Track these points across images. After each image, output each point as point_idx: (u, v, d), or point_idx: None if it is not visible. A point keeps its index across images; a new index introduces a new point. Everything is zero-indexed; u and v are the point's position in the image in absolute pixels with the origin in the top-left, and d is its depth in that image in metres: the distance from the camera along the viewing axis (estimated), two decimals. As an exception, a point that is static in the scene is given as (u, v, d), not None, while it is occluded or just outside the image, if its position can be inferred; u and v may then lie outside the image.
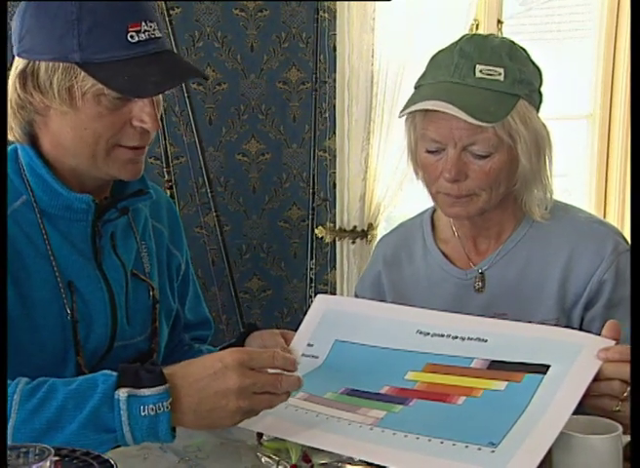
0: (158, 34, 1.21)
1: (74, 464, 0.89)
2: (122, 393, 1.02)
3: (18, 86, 1.20)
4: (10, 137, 1.25)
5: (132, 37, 1.17)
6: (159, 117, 1.23)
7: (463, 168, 1.34)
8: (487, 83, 1.31)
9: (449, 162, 1.34)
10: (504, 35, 3.10)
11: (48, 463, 0.79)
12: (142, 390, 1.02)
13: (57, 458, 0.85)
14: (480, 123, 1.28)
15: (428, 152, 1.37)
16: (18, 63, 1.20)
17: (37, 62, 1.18)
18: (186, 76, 1.28)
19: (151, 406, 1.01)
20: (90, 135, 1.20)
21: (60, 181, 1.23)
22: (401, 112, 1.35)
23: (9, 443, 0.99)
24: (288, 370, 1.08)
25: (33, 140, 1.25)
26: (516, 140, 1.33)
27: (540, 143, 1.37)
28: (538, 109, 1.38)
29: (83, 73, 1.16)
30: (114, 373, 1.05)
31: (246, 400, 1.03)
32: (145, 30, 1.18)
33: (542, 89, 1.40)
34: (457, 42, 1.36)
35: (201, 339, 1.52)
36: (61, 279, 1.23)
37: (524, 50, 1.39)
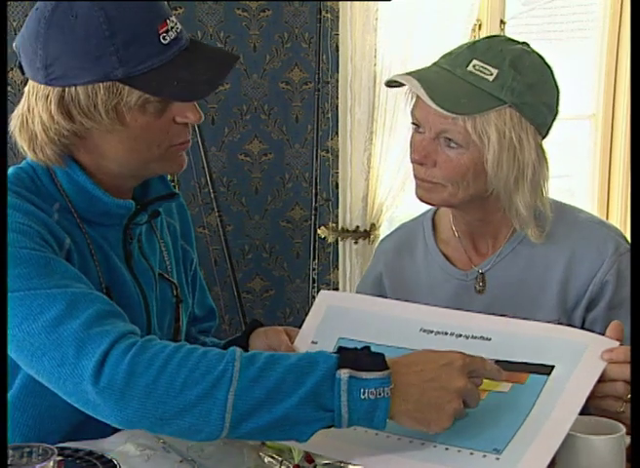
0: (180, 27, 1.19)
1: (77, 464, 0.89)
2: (343, 373, 0.98)
3: (57, 114, 1.15)
4: (37, 159, 1.21)
5: (164, 38, 1.15)
6: (198, 108, 1.22)
7: (433, 154, 1.33)
8: (474, 78, 1.30)
9: (419, 143, 1.34)
10: (507, 35, 3.09)
11: (51, 463, 0.80)
12: (364, 373, 0.99)
13: (60, 458, 0.85)
14: (440, 109, 1.27)
15: (416, 132, 1.37)
16: (46, 91, 1.16)
17: (75, 88, 1.14)
18: (229, 64, 1.24)
19: (372, 389, 0.98)
20: (141, 144, 1.19)
21: (100, 188, 1.22)
22: (385, 82, 1.38)
23: (228, 411, 0.97)
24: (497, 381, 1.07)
25: (71, 159, 1.22)
26: (484, 144, 1.30)
27: (520, 166, 1.31)
28: (542, 133, 1.34)
29: (127, 88, 1.14)
30: (334, 354, 1.02)
31: (461, 404, 1.00)
32: (172, 27, 1.17)
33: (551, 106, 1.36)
34: (482, 38, 1.37)
35: (206, 331, 1.52)
36: (104, 284, 1.22)
37: (548, 67, 1.35)
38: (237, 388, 0.99)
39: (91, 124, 1.16)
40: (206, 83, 1.18)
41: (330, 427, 1.00)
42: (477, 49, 1.33)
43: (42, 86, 1.17)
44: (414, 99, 1.37)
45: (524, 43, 1.38)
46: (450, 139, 1.31)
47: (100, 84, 1.14)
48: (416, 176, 1.37)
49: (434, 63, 1.36)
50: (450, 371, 1.00)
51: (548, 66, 1.37)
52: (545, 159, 1.35)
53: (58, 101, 1.16)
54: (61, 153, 1.20)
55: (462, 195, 1.36)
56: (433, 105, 1.27)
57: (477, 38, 1.39)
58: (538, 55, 1.37)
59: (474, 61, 1.31)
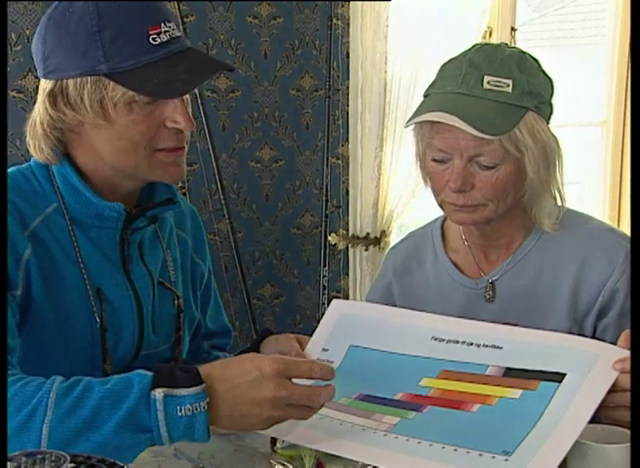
0: (178, 33, 1.21)
1: (89, 471, 0.89)
2: (158, 393, 1.00)
3: (48, 106, 1.19)
4: (39, 158, 1.23)
5: (154, 40, 1.17)
6: (191, 116, 1.22)
7: (469, 178, 1.33)
8: (494, 94, 1.31)
9: (454, 172, 1.33)
10: (518, 42, 3.10)
11: (64, 470, 0.80)
12: (179, 390, 1.00)
13: (72, 465, 0.85)
14: (484, 135, 1.28)
15: (435, 161, 1.37)
16: (45, 85, 1.20)
17: (65, 80, 1.18)
18: (213, 70, 1.27)
19: (188, 406, 1.00)
20: (127, 144, 1.20)
21: (91, 190, 1.23)
22: (407, 122, 1.36)
23: (43, 443, 0.99)
24: (326, 379, 1.06)
25: (67, 158, 1.24)
26: (523, 153, 1.32)
27: (549, 155, 1.36)
28: (548, 120, 1.37)
29: (112, 83, 1.16)
30: (149, 373, 1.03)
31: (279, 410, 1.02)
32: (166, 31, 1.18)
33: (555, 97, 1.39)
34: (466, 51, 1.36)
35: (220, 347, 1.52)
36: (91, 286, 1.23)
37: (536, 60, 1.38)
38: (52, 419, 1.00)
39: (77, 117, 1.19)
40: (182, 82, 1.19)
41: (153, 445, 1.02)
42: (479, 64, 1.32)
43: (42, 80, 1.21)
44: (428, 134, 1.36)
45: (505, 43, 1.41)
46: (483, 160, 1.32)
47: (88, 78, 1.16)
48: (454, 204, 1.36)
49: (443, 92, 1.34)
50: (258, 382, 1.01)
51: (535, 59, 1.39)
52: (556, 139, 1.37)
53: (49, 93, 1.19)
54: (57, 150, 1.23)
55: (502, 208, 1.37)
56: (479, 134, 1.27)
57: (465, 51, 1.37)
58: (521, 51, 1.38)
59: (487, 78, 1.31)
